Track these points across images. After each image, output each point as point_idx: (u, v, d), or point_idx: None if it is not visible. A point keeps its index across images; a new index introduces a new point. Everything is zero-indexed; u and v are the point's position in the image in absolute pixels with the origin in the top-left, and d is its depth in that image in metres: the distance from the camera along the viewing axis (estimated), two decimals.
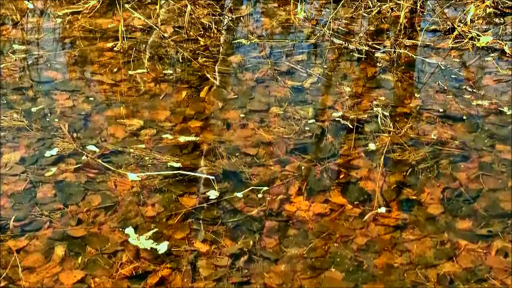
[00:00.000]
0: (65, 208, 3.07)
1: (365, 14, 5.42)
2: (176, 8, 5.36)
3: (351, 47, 4.80)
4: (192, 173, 3.32)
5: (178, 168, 3.36)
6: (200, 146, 3.57)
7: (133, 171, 3.32)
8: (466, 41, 4.89)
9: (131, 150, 3.51)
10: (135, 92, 4.16)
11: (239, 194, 3.19)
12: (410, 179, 3.35)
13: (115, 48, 4.71)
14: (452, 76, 4.42)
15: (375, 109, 3.96)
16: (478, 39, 4.90)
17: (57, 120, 3.77)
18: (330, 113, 3.95)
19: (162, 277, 2.70)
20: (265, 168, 3.40)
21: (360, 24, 5.31)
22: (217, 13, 5.32)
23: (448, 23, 5.09)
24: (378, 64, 4.63)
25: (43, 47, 4.75)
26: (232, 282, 2.70)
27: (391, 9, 5.45)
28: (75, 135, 3.63)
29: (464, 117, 3.90)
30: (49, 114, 3.82)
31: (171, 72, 4.43)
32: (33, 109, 3.87)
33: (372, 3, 5.51)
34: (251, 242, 2.90)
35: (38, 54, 4.62)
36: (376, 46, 4.82)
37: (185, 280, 2.70)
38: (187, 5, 5.01)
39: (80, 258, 2.79)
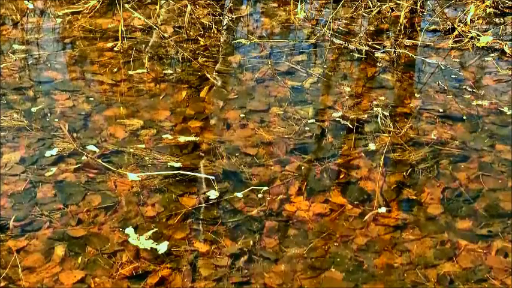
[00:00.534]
0: (65, 208, 3.07)
1: (365, 14, 5.42)
2: (176, 8, 5.36)
3: (351, 47, 4.80)
4: (192, 173, 3.32)
5: (178, 168, 3.36)
6: (200, 146, 3.57)
7: (133, 171, 3.32)
8: (466, 41, 4.89)
9: (131, 150, 3.51)
10: (135, 92, 4.16)
11: (239, 194, 3.19)
12: (411, 179, 3.35)
13: (115, 48, 4.71)
14: (452, 76, 4.42)
15: (374, 109, 3.96)
16: (478, 39, 4.90)
17: (57, 120, 3.77)
18: (330, 113, 3.94)
19: (162, 277, 2.70)
20: (265, 168, 3.40)
21: (360, 24, 5.31)
22: (217, 13, 5.32)
23: (448, 23, 5.09)
24: (378, 64, 4.63)
25: (43, 47, 4.75)
26: (232, 282, 2.70)
27: (391, 9, 5.45)
28: (75, 135, 3.63)
29: (464, 117, 3.90)
30: (49, 114, 3.82)
31: (171, 72, 4.43)
32: (33, 109, 3.87)
33: (372, 3, 5.51)
34: (251, 242, 2.90)
35: (38, 54, 4.62)
36: (376, 46, 4.82)
37: (185, 280, 2.70)
38: (187, 5, 5.01)
39: (80, 258, 2.79)
